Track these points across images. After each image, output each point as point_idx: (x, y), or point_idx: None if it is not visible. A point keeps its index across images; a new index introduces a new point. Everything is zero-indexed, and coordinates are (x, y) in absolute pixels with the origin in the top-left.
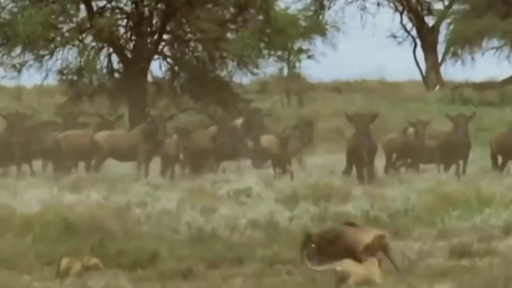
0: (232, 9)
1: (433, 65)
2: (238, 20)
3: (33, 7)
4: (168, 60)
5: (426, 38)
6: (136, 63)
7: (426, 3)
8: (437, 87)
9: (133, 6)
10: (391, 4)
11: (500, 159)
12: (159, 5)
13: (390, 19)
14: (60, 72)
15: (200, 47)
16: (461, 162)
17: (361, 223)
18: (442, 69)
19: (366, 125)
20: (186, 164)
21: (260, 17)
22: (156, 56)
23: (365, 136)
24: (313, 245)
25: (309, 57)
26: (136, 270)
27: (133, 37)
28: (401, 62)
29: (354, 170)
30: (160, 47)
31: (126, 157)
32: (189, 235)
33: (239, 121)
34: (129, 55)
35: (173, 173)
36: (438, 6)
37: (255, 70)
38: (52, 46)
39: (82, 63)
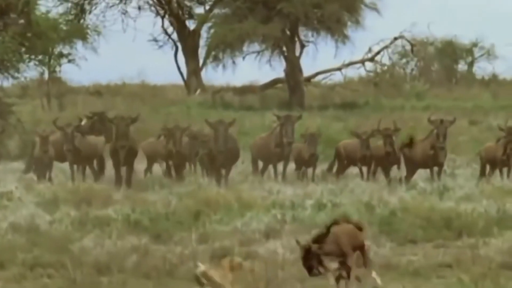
0: None
1: (194, 69)
2: None
3: None
4: None
5: (187, 42)
6: None
7: (187, 7)
8: (198, 91)
9: None
10: (152, 8)
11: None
12: None
13: (152, 23)
14: None
15: None
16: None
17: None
18: (204, 73)
19: (127, 126)
20: None
21: (21, 21)
22: None
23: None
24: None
25: (69, 61)
26: None
27: None
28: (162, 66)
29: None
30: None
31: None
32: None
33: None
34: None
35: None
36: (199, 10)
37: (16, 74)
38: None
39: None
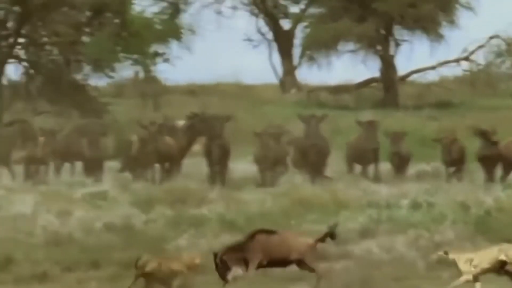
0: (88, 13)
1: (289, 69)
2: (94, 24)
3: None
4: (24, 63)
5: (282, 41)
6: None
7: (282, 7)
8: (293, 90)
9: None
10: (247, 8)
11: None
12: (15, 8)
13: (246, 23)
14: None
15: (55, 51)
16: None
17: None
18: (298, 72)
19: (221, 126)
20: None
21: (116, 21)
22: (11, 60)
23: (218, 137)
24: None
25: (165, 60)
26: None
27: None
28: (257, 66)
29: None
30: (16, 50)
31: None
32: (45, 238)
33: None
34: None
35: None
36: (294, 9)
37: (111, 74)
38: None
39: None
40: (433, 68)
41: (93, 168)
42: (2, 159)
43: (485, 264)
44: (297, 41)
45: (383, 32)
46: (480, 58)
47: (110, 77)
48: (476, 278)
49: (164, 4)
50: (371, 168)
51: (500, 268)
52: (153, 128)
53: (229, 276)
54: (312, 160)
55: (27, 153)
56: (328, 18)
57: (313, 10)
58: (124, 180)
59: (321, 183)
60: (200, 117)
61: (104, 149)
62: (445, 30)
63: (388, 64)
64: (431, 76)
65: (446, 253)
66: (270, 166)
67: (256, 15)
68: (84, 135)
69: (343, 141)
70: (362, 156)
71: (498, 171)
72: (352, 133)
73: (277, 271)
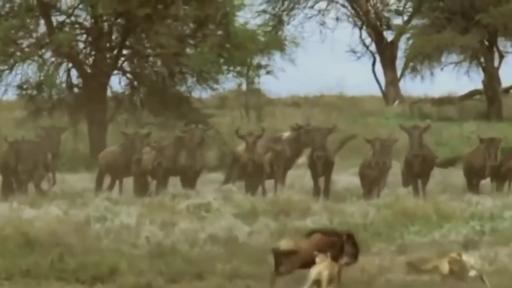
0: (191, 25)
1: (392, 80)
2: (197, 35)
3: None
4: (128, 75)
5: (385, 53)
6: (95, 78)
7: (385, 18)
8: (396, 102)
9: (93, 21)
10: (350, 19)
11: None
12: (119, 20)
13: (349, 34)
14: (20, 87)
15: (159, 62)
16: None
17: None
18: (401, 84)
19: (324, 137)
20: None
21: (220, 32)
22: (115, 71)
23: (321, 149)
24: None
25: (268, 72)
26: (96, 284)
27: (93, 52)
28: (360, 77)
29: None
30: (120, 62)
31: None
32: (148, 249)
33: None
34: (89, 70)
35: (147, 189)
36: (397, 21)
37: (215, 85)
38: (11, 61)
39: (41, 78)
40: None
41: (190, 180)
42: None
43: None
44: (400, 52)
45: (486, 43)
46: None
47: (214, 89)
48: None
49: (267, 16)
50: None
51: None
52: (251, 139)
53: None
54: (416, 171)
55: (139, 166)
56: (431, 29)
57: (416, 21)
58: (228, 192)
59: (424, 195)
60: (304, 129)
61: (202, 160)
62: None
63: (491, 76)
64: None
65: None
66: (380, 174)
67: (359, 27)
68: (183, 147)
69: (447, 153)
70: (480, 173)
71: None
72: (455, 144)
73: None
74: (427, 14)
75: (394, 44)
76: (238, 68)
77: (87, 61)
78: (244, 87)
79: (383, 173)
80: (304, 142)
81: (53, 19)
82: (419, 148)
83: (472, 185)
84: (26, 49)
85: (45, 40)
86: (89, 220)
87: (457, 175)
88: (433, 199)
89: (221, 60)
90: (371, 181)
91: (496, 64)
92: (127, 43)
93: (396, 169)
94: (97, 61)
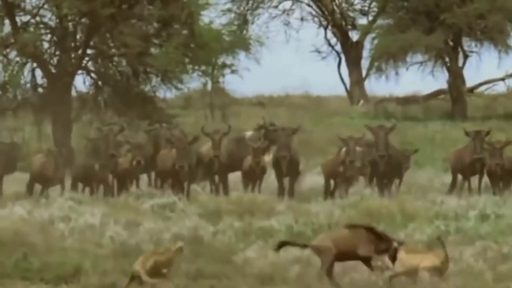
0: (156, 24)
1: (358, 80)
2: (162, 35)
3: None
4: (92, 75)
5: (351, 53)
6: (60, 78)
7: (350, 18)
8: (361, 102)
9: (57, 21)
10: (315, 19)
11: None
12: (83, 20)
13: (314, 34)
14: None
15: (124, 62)
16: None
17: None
18: (366, 83)
19: (288, 137)
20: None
21: (185, 32)
22: (80, 71)
23: (286, 149)
24: None
25: (233, 72)
26: (60, 284)
27: (57, 52)
28: (325, 77)
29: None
30: (84, 62)
31: None
32: (113, 249)
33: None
34: (53, 70)
35: (127, 188)
36: (362, 21)
37: (179, 85)
38: None
39: (6, 78)
40: (502, 79)
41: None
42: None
43: None
44: (366, 52)
45: (451, 43)
46: None
47: (178, 88)
48: None
49: (232, 15)
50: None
51: None
52: (217, 137)
53: None
54: (382, 171)
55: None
56: (396, 29)
57: (381, 21)
58: (192, 192)
59: (390, 195)
60: (266, 129)
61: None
62: None
63: (456, 76)
64: (500, 88)
65: None
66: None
67: (325, 27)
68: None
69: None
70: (468, 167)
71: None
72: (420, 144)
73: None
74: (392, 14)
75: (359, 44)
76: (203, 68)
77: (51, 61)
78: (209, 86)
79: (355, 172)
80: (271, 140)
81: (18, 19)
82: (384, 148)
83: (455, 183)
84: None
85: (9, 40)
86: (53, 220)
87: (422, 175)
88: (398, 198)
89: (186, 60)
90: (343, 180)
91: (460, 64)
92: (92, 43)
93: None
94: (61, 61)
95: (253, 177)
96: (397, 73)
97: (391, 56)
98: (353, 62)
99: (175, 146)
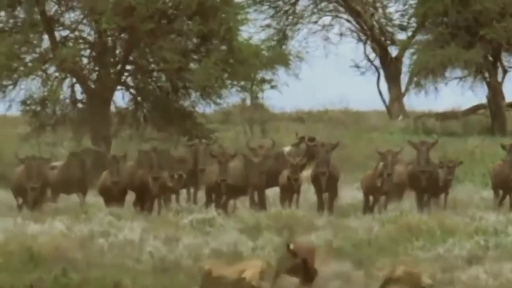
0: (195, 40)
1: (396, 95)
2: (201, 50)
3: None
4: (131, 90)
5: (389, 68)
6: (99, 93)
7: (389, 34)
8: (400, 117)
9: (96, 36)
10: (354, 35)
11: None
12: (122, 35)
13: (353, 49)
14: (24, 102)
15: (163, 77)
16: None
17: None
18: (406, 99)
19: (328, 153)
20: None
21: (223, 48)
22: (119, 87)
23: (325, 165)
24: None
25: (272, 87)
26: None
27: (96, 67)
28: (364, 92)
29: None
30: (123, 77)
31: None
32: (152, 264)
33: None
34: (92, 86)
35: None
36: (402, 36)
37: (218, 100)
38: (15, 76)
39: (45, 93)
40: None
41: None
42: None
43: None
44: (405, 67)
45: (490, 58)
46: None
47: (217, 103)
48: None
49: (272, 30)
50: None
51: None
52: (262, 152)
53: None
54: (423, 187)
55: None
56: (435, 44)
57: (420, 36)
58: (230, 207)
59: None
60: (306, 141)
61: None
62: None
63: (495, 91)
64: None
65: None
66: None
67: (364, 42)
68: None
69: None
70: (506, 181)
71: None
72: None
73: None
74: (431, 30)
75: (398, 59)
76: (242, 83)
77: (90, 76)
78: (248, 102)
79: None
80: (311, 155)
81: (57, 34)
82: (426, 164)
83: (497, 199)
84: (30, 64)
85: (48, 55)
86: (93, 235)
87: (461, 190)
88: (437, 214)
89: (225, 75)
90: (380, 194)
91: (500, 79)
92: (131, 58)
93: None
94: (100, 76)
95: (290, 193)
96: (436, 89)
97: (430, 71)
98: (392, 77)
99: (217, 161)
